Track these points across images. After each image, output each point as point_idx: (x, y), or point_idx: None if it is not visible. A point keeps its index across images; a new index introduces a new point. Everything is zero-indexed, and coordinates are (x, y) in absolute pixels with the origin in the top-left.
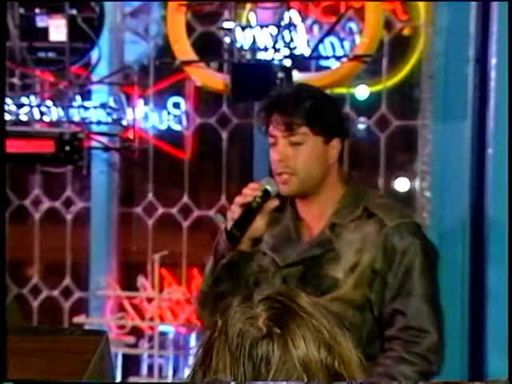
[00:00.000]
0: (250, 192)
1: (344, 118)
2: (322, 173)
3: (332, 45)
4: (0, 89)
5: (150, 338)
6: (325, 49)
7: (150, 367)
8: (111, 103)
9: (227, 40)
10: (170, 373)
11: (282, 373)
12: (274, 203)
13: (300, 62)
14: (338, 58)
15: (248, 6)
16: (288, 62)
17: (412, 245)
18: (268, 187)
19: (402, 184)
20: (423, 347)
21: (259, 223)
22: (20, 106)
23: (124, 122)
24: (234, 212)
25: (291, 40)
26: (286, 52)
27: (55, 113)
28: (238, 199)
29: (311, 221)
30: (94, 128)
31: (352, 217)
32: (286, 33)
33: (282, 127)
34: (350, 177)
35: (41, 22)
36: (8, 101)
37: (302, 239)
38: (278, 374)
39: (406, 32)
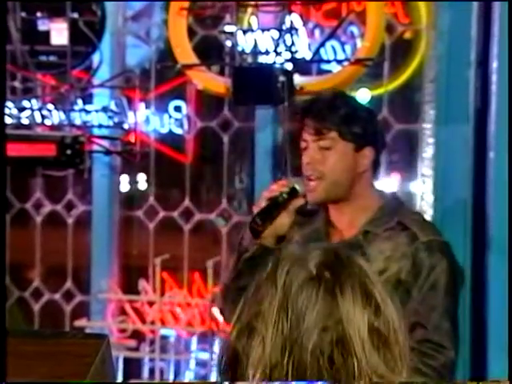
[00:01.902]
0: (278, 188)
1: (379, 128)
2: (350, 180)
3: (333, 48)
4: (0, 92)
5: (152, 342)
6: (326, 52)
7: (152, 371)
8: (112, 107)
9: (228, 44)
10: (171, 376)
11: (321, 322)
12: (300, 201)
13: (301, 66)
14: (340, 62)
15: (249, 9)
16: (289, 66)
17: (441, 262)
18: (296, 186)
19: (403, 187)
20: (440, 362)
21: (284, 220)
22: (21, 109)
23: (125, 126)
24: (260, 205)
25: (292, 44)
26: (288, 56)
27: (57, 116)
28: (265, 193)
29: (342, 227)
30: (96, 131)
31: (386, 226)
32: (287, 36)
33: (313, 131)
34: (386, 191)
35: (42, 25)
36: (9, 104)
37: (333, 242)
38: (318, 320)
39: (407, 35)
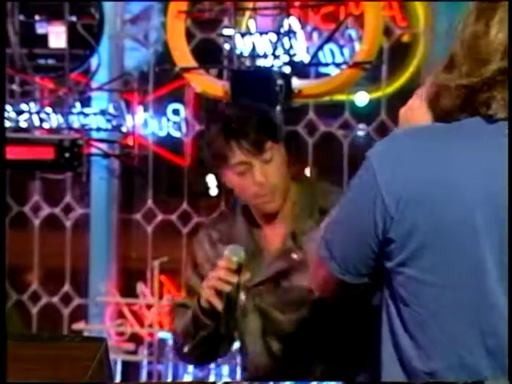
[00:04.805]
0: (227, 277)
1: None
2: (289, 180)
3: (331, 52)
4: (0, 96)
5: (150, 345)
6: (324, 56)
7: (150, 374)
8: (111, 110)
9: (227, 47)
10: (170, 379)
11: None
12: (247, 276)
13: (299, 69)
14: (338, 65)
15: (248, 12)
16: (287, 69)
17: None
18: (237, 259)
19: None
20: None
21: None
22: (20, 112)
23: (124, 129)
24: (212, 297)
25: (291, 47)
26: (286, 59)
27: (55, 119)
28: (216, 284)
29: (271, 229)
30: (94, 135)
31: (310, 223)
32: (285, 40)
33: (254, 150)
34: (298, 172)
35: (41, 28)
36: (8, 107)
37: (265, 253)
38: None
39: (405, 39)
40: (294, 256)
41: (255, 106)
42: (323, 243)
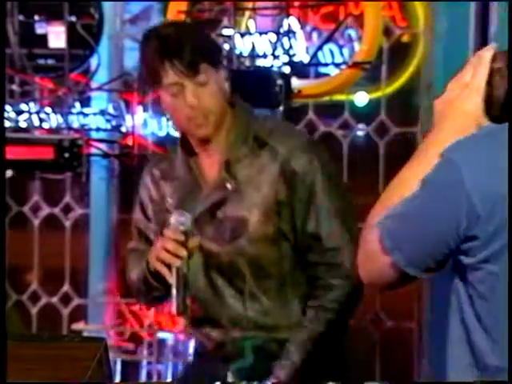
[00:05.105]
0: (175, 251)
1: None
2: (225, 105)
3: (331, 52)
4: (0, 96)
5: (149, 345)
6: (324, 56)
7: (149, 374)
8: (110, 110)
9: (226, 47)
10: (169, 379)
11: None
12: (196, 240)
13: (299, 69)
14: (337, 65)
15: (247, 13)
16: (287, 69)
17: (309, 164)
18: (184, 228)
19: None
20: (345, 268)
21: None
22: (19, 112)
23: (123, 129)
24: (162, 268)
25: (290, 47)
26: (285, 59)
27: (54, 119)
28: (165, 256)
29: (209, 160)
30: (94, 135)
31: (244, 151)
32: (285, 40)
33: (187, 71)
34: (233, 101)
35: (40, 28)
36: (7, 107)
37: (202, 186)
38: None
39: (405, 39)
40: (229, 186)
41: (194, 27)
42: (386, 233)
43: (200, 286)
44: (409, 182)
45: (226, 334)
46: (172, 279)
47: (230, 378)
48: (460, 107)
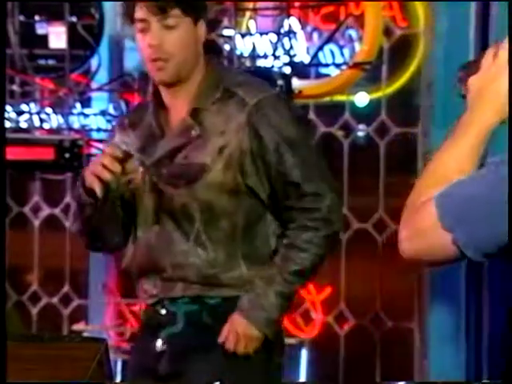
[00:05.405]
0: (109, 166)
1: None
2: (194, 56)
3: (332, 52)
4: (0, 96)
5: None
6: (324, 56)
7: None
8: (111, 110)
9: (227, 47)
10: None
11: None
12: (132, 166)
13: (300, 70)
14: (338, 66)
15: (248, 13)
16: (288, 70)
17: (277, 117)
18: (126, 148)
19: (401, 190)
20: (323, 211)
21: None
22: (20, 113)
23: None
24: (95, 183)
25: (291, 47)
26: (286, 59)
27: (55, 120)
28: (98, 170)
29: (176, 110)
30: (94, 135)
31: (212, 99)
32: (285, 40)
33: (155, 10)
34: (209, 60)
35: (41, 29)
36: (8, 108)
37: (166, 133)
38: None
39: (405, 39)
40: (193, 132)
41: None
42: (446, 211)
43: (149, 229)
44: (448, 164)
45: (165, 290)
46: (100, 191)
47: (159, 344)
48: (494, 86)
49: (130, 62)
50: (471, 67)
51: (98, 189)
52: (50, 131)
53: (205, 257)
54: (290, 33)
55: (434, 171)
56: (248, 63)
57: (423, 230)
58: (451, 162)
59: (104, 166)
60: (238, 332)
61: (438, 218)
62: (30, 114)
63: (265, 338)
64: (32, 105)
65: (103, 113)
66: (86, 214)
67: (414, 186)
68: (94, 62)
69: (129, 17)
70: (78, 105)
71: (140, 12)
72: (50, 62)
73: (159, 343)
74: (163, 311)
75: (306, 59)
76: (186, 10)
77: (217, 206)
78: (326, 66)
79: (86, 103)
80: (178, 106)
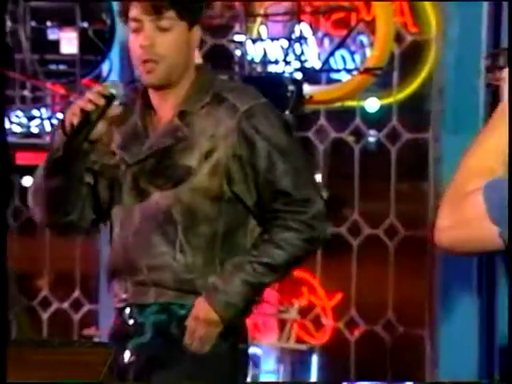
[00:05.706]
0: (94, 99)
1: (203, 3)
2: (185, 61)
3: (343, 58)
4: (0, 101)
5: None
6: (335, 62)
7: None
8: None
9: (238, 53)
10: None
11: None
12: (117, 110)
13: (311, 75)
14: (349, 71)
15: (259, 19)
16: (299, 75)
17: (267, 125)
18: (113, 91)
19: (412, 196)
20: (309, 215)
21: (98, 128)
22: (31, 118)
23: None
24: (74, 116)
25: (302, 53)
26: (297, 65)
27: None
28: (81, 103)
29: (164, 112)
30: None
31: (201, 103)
32: (296, 46)
33: (150, 10)
34: (200, 66)
35: (52, 34)
36: (19, 113)
37: (151, 133)
38: None
39: (416, 44)
40: (180, 134)
41: None
42: (493, 204)
43: (127, 228)
44: (491, 154)
45: (137, 295)
46: (75, 121)
47: (127, 356)
48: None
49: None
50: (498, 58)
51: (75, 120)
52: None
53: (183, 261)
54: (301, 38)
55: (478, 159)
56: (259, 69)
57: (468, 220)
58: (494, 153)
59: (89, 100)
60: (199, 317)
61: (486, 209)
62: (41, 119)
63: (229, 333)
64: (43, 110)
65: None
66: (53, 172)
67: (458, 170)
68: (105, 68)
69: (123, 15)
70: None
71: (134, 11)
72: (62, 67)
73: (127, 354)
74: (131, 321)
75: (317, 65)
76: (181, 13)
77: (199, 211)
78: (337, 71)
79: None
80: (166, 109)
